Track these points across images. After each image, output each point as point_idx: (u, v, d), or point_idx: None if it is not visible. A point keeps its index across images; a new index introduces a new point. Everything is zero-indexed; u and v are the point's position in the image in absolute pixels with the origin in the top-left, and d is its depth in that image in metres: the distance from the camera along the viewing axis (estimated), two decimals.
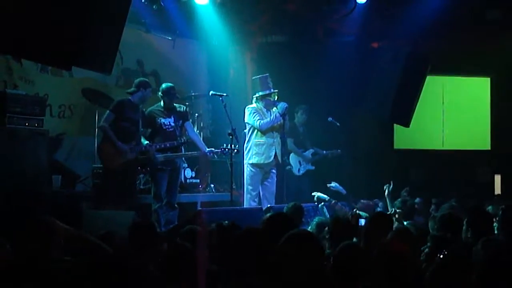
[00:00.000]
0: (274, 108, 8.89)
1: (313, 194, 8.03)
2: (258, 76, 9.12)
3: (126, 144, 8.26)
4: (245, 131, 9.07)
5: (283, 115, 8.82)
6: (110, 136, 8.22)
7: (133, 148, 8.30)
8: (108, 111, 8.37)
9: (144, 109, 8.70)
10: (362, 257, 3.75)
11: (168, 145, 8.52)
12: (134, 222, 5.60)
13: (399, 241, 4.39)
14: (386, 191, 7.78)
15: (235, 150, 8.65)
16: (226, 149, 8.65)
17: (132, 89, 8.52)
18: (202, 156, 9.23)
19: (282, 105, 8.83)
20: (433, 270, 3.68)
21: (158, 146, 8.44)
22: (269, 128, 8.83)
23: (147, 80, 8.81)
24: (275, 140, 8.90)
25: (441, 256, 3.78)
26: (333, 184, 8.73)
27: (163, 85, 8.81)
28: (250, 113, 8.88)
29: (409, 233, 4.99)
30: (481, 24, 11.67)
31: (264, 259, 3.71)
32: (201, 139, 9.56)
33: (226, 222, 5.14)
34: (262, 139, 8.87)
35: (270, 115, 8.85)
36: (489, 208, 7.12)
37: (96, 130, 9.28)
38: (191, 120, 9.54)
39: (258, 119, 8.80)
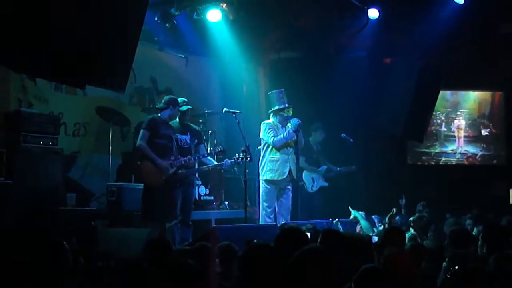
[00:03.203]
0: (288, 124, 8.88)
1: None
2: (273, 91, 9.12)
3: (165, 160, 8.23)
4: (259, 147, 9.05)
5: (296, 131, 8.79)
6: (149, 154, 8.16)
7: (173, 163, 8.26)
8: (142, 130, 8.31)
9: None
10: (383, 282, 3.71)
11: (202, 157, 8.62)
12: (149, 240, 5.60)
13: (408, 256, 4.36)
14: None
15: (248, 158, 8.53)
16: (239, 158, 8.57)
17: (162, 105, 8.50)
18: (216, 171, 9.16)
19: (295, 121, 8.80)
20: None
21: (195, 159, 8.53)
22: (283, 145, 8.82)
23: (176, 98, 8.65)
24: (289, 156, 8.86)
25: (452, 272, 3.77)
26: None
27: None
28: (265, 129, 8.87)
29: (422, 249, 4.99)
30: (495, 38, 11.63)
31: (276, 275, 3.70)
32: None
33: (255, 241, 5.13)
34: (277, 156, 8.84)
35: (284, 131, 8.83)
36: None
37: (110, 148, 9.33)
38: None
39: (273, 136, 8.78)
